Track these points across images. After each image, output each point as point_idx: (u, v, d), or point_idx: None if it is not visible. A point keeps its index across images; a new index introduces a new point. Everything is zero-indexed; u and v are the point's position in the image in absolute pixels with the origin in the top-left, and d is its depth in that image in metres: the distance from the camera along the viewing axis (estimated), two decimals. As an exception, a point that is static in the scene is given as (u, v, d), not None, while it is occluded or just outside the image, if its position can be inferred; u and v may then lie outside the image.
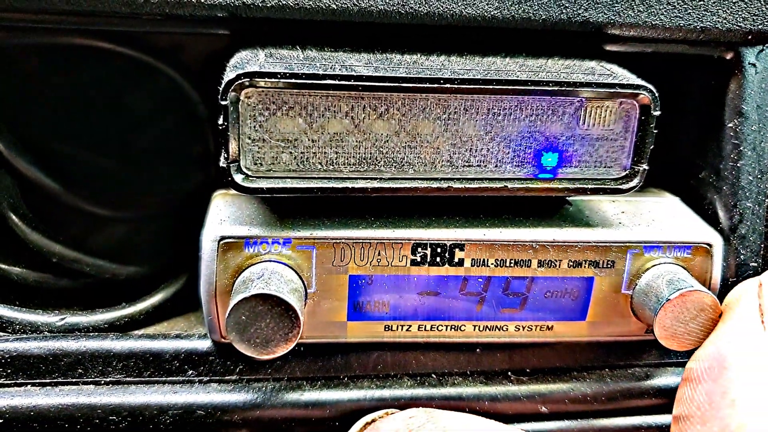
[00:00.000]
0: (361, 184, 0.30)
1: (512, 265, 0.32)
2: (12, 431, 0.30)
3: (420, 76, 0.28)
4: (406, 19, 0.30)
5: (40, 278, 0.36)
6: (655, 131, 0.31)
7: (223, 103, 0.27)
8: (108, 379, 0.32)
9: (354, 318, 0.32)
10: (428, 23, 0.31)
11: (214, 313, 0.30)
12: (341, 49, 0.30)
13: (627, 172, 0.32)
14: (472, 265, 0.32)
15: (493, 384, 0.34)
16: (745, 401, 0.26)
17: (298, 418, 0.32)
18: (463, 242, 0.31)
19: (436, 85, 0.28)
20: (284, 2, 0.30)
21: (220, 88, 0.27)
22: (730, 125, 0.35)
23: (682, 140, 0.38)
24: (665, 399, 0.36)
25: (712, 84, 0.36)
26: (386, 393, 0.33)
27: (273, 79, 0.27)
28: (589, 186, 0.31)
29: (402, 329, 0.32)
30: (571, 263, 0.32)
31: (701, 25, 0.33)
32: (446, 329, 0.33)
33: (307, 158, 0.29)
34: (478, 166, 0.31)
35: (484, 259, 0.32)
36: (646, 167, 0.31)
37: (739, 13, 0.34)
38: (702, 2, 0.33)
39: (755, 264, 0.36)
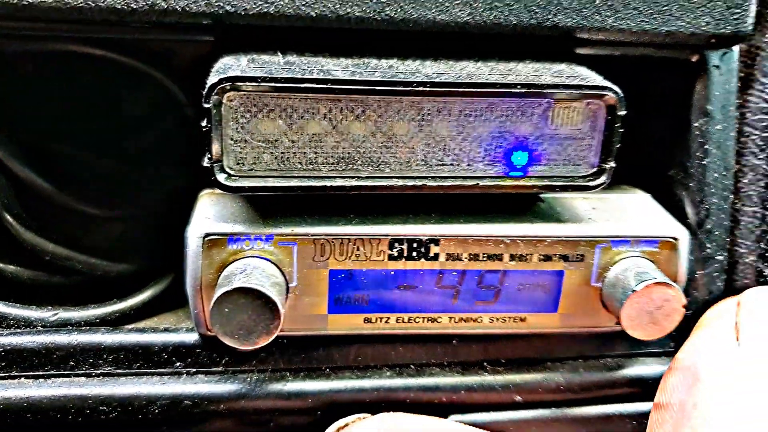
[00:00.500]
0: (339, 182, 0.31)
1: (485, 259, 0.33)
2: (6, 422, 0.32)
3: (394, 79, 0.30)
4: (382, 25, 0.32)
5: (33, 276, 0.37)
6: (621, 130, 0.32)
7: (206, 106, 0.29)
8: (99, 371, 0.33)
9: (334, 311, 0.33)
10: (403, 29, 0.32)
11: (200, 306, 0.32)
12: (320, 54, 0.32)
13: (595, 169, 0.33)
14: (446, 260, 0.33)
15: (469, 374, 0.35)
16: (714, 418, 0.28)
17: (282, 407, 0.33)
18: (437, 237, 0.33)
19: (409, 88, 0.30)
20: (265, 10, 0.31)
21: (204, 92, 0.28)
22: (697, 124, 0.37)
23: (653, 139, 0.40)
24: (637, 388, 0.37)
25: (679, 85, 0.38)
26: (366, 383, 0.34)
27: (254, 83, 0.29)
28: (558, 183, 0.33)
29: (381, 321, 0.34)
30: (542, 257, 0.33)
31: (666, 29, 0.35)
32: (423, 321, 0.34)
33: (288, 158, 0.31)
34: (451, 164, 0.32)
35: (458, 254, 0.33)
36: (613, 165, 0.33)
37: (703, 17, 0.35)
38: (666, 8, 0.34)
39: (721, 257, 0.37)
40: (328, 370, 0.34)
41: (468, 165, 0.32)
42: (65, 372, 0.33)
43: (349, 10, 0.31)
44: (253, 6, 0.30)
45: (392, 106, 0.31)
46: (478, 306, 0.34)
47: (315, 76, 0.29)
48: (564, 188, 0.33)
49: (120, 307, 0.36)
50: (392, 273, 0.33)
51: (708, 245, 0.37)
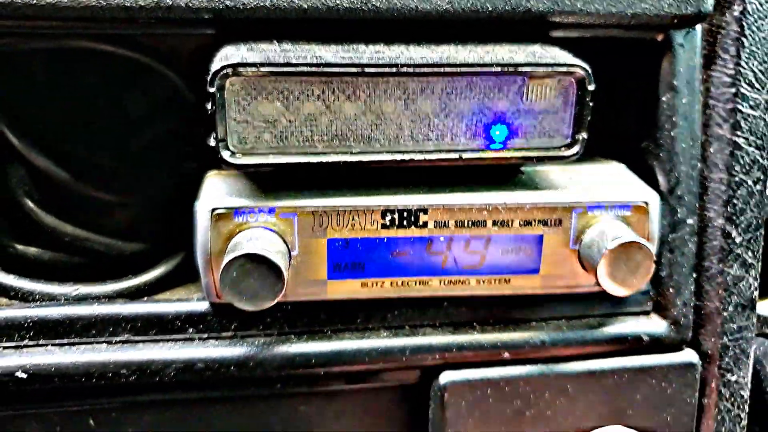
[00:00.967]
0: (333, 158, 0.34)
1: (470, 225, 0.36)
2: (36, 385, 0.35)
3: (381, 62, 0.32)
4: (369, 14, 0.35)
5: (54, 257, 0.40)
6: (591, 104, 0.35)
7: (210, 90, 0.31)
8: (118, 339, 0.36)
9: (333, 277, 0.36)
10: (388, 17, 0.35)
11: (209, 275, 0.35)
12: (313, 42, 0.35)
13: (569, 141, 0.36)
14: (434, 227, 0.36)
15: (459, 334, 0.38)
16: None
17: (288, 366, 0.36)
18: (426, 207, 0.36)
19: (395, 69, 0.33)
20: (262, 4, 0.34)
21: (208, 78, 0.31)
22: (664, 99, 0.40)
23: (626, 115, 0.43)
24: (617, 345, 0.40)
25: (647, 63, 0.40)
26: (365, 344, 0.37)
27: (253, 68, 0.32)
28: (536, 154, 0.36)
29: (376, 286, 0.37)
30: (522, 223, 0.36)
31: (632, 11, 0.37)
32: (416, 284, 0.37)
33: (286, 137, 0.34)
34: (436, 139, 0.35)
35: (445, 221, 0.36)
36: (586, 136, 0.36)
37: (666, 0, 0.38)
38: (632, -10, 0.37)
39: (691, 221, 0.40)
40: (329, 332, 0.37)
41: (451, 139, 0.35)
42: (87, 340, 0.36)
43: (338, 1, 0.34)
44: (251, 0, 0.33)
45: (380, 87, 0.34)
46: (465, 270, 0.37)
47: (308, 60, 0.32)
48: (541, 159, 0.36)
49: (135, 282, 0.39)
50: (385, 240, 0.36)
51: (679, 210, 0.40)
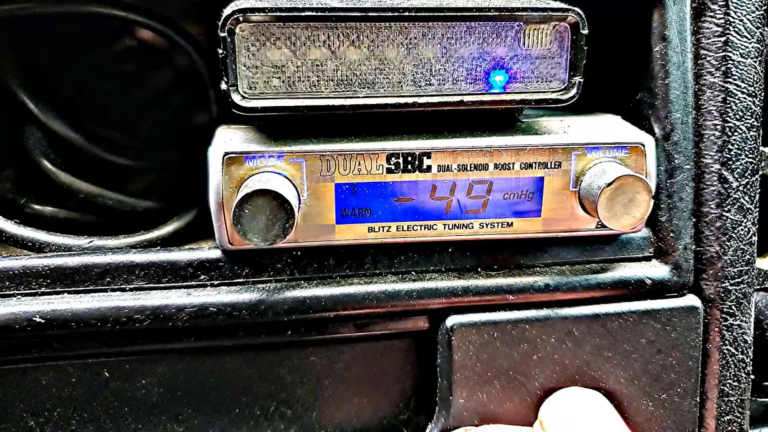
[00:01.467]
0: (339, 102, 0.35)
1: (473, 169, 0.37)
2: (53, 330, 0.35)
3: (384, 7, 0.34)
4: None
5: (68, 215, 0.42)
6: (586, 48, 0.36)
7: (222, 35, 0.33)
8: (131, 286, 0.37)
9: (341, 221, 0.37)
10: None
11: (221, 219, 0.36)
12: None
13: (565, 85, 0.37)
14: (438, 171, 0.37)
15: (464, 279, 0.39)
16: None
17: (298, 310, 0.37)
18: (429, 151, 0.37)
19: (397, 14, 0.34)
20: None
21: (219, 23, 0.33)
22: (657, 49, 0.41)
23: (622, 70, 0.44)
24: (620, 290, 0.41)
25: (641, 17, 0.42)
26: (373, 288, 0.38)
27: (262, 14, 0.33)
28: (534, 98, 0.37)
29: (383, 230, 0.38)
30: (523, 165, 0.37)
31: (622, -37, 0.39)
32: (421, 229, 0.38)
33: (294, 82, 0.35)
34: (437, 84, 0.36)
35: (448, 165, 0.37)
36: (581, 79, 0.37)
37: (654, -47, 0.40)
38: (621, -56, 0.39)
39: (688, 167, 0.41)
40: (338, 278, 0.38)
41: (453, 84, 0.36)
42: (102, 287, 0.37)
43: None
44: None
45: (383, 32, 0.35)
46: (469, 214, 0.38)
47: (314, 5, 0.33)
48: (539, 102, 0.37)
49: (148, 237, 0.40)
50: (391, 185, 0.37)
51: (675, 156, 0.41)
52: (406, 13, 0.34)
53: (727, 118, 0.41)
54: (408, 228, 0.38)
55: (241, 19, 0.33)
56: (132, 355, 0.39)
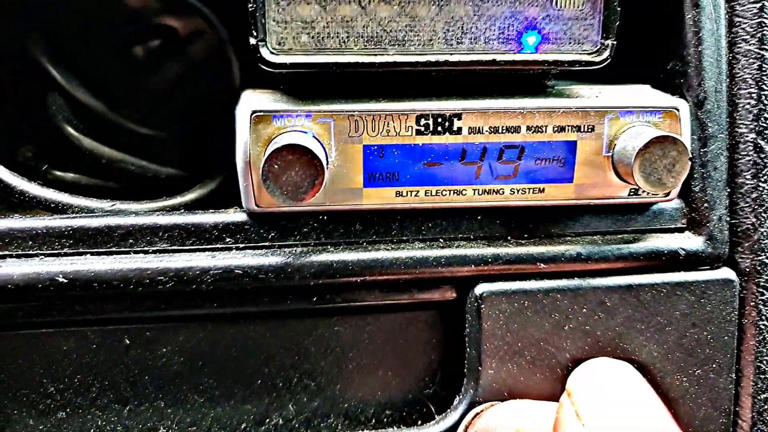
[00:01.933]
0: (369, 59, 0.35)
1: (504, 131, 0.36)
2: (75, 291, 0.35)
3: (415, -36, 0.33)
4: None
5: (90, 181, 0.41)
6: (619, 9, 0.36)
7: (251, -12, 0.32)
8: (155, 248, 0.36)
9: (369, 185, 0.36)
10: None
11: (248, 179, 0.35)
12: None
13: (598, 47, 0.36)
14: (469, 133, 0.36)
15: (494, 246, 0.38)
16: None
17: (325, 274, 0.36)
18: (460, 112, 0.36)
19: (429, -29, 0.34)
20: None
21: (249, -23, 0.32)
22: (690, 16, 0.40)
23: (653, 38, 0.43)
24: (653, 261, 0.40)
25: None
26: (401, 254, 0.37)
27: (292, -32, 0.33)
28: (567, 59, 0.36)
29: (411, 195, 0.37)
30: (556, 128, 0.37)
31: (655, -72, 0.39)
32: (450, 194, 0.37)
33: (323, 38, 0.34)
34: (469, 43, 0.36)
35: (479, 127, 0.36)
36: (614, 42, 0.36)
37: None
38: None
39: (723, 135, 0.40)
40: (365, 243, 0.37)
41: (485, 43, 0.36)
42: (125, 249, 0.36)
43: None
44: None
45: (414, -10, 0.34)
46: (499, 180, 0.37)
47: (345, -39, 0.33)
48: (572, 63, 0.36)
49: (171, 203, 0.39)
50: (420, 147, 0.36)
51: (709, 124, 0.40)
52: (439, -31, 0.33)
53: (764, 86, 0.40)
54: (437, 193, 0.37)
55: (271, -28, 0.32)
56: (153, 322, 0.38)
